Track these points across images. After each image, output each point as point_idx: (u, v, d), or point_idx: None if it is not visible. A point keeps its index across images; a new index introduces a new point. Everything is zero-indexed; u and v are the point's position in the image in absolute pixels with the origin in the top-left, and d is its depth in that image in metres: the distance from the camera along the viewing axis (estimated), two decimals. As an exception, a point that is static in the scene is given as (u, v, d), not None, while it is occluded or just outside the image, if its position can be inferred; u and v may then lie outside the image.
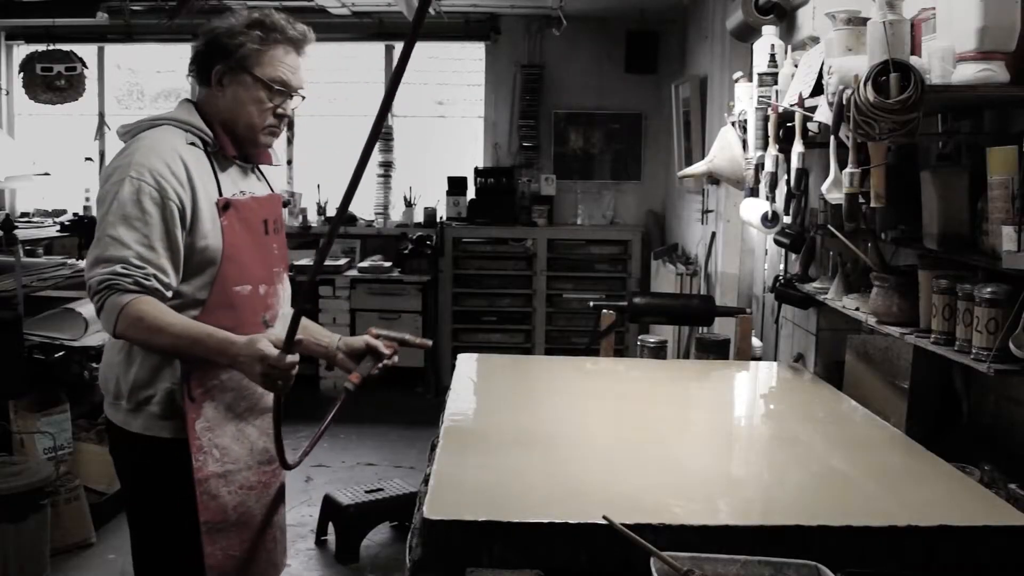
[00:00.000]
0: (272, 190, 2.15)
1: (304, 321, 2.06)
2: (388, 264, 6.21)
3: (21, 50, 6.60)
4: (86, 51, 6.49)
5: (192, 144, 1.91)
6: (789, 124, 2.53)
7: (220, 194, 1.91)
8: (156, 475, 1.92)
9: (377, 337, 2.01)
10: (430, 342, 2.11)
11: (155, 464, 1.92)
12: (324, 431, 2.04)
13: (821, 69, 2.23)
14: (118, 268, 1.78)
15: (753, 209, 2.87)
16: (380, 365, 1.99)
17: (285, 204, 2.18)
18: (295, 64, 1.97)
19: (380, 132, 1.50)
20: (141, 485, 1.96)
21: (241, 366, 1.78)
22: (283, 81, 1.94)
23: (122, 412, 1.92)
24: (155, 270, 1.80)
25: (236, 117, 1.94)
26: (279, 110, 1.97)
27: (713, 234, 4.58)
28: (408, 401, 5.94)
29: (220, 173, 1.94)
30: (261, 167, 2.13)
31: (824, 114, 2.17)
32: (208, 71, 1.94)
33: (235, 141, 1.97)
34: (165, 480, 1.90)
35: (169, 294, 1.84)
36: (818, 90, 2.27)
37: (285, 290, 2.09)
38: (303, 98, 2.01)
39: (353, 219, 6.56)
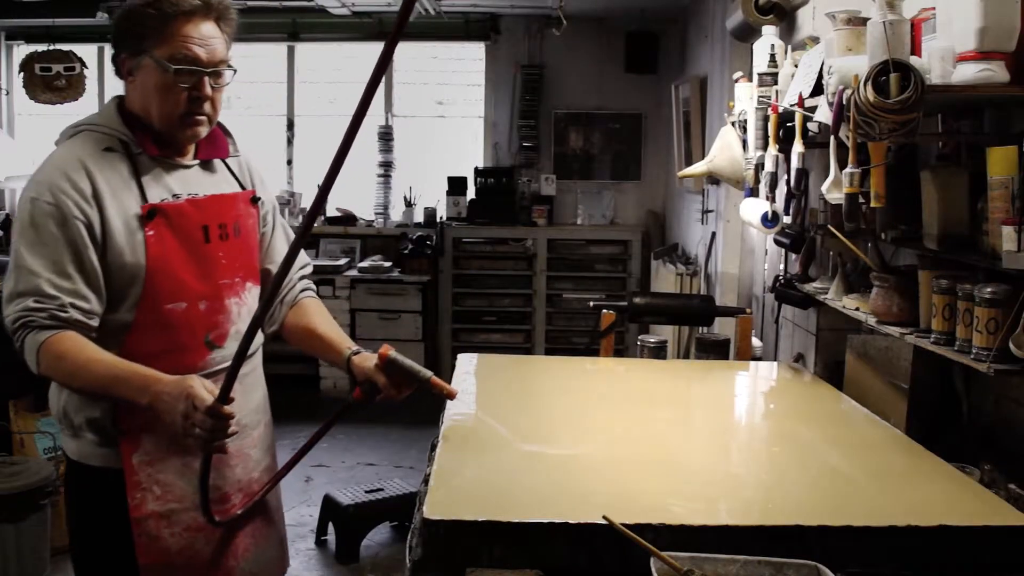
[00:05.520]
0: (243, 186, 1.90)
1: (320, 328, 1.93)
2: (388, 264, 6.21)
3: (21, 50, 6.60)
4: (86, 51, 6.48)
5: (110, 149, 1.70)
6: (789, 124, 2.53)
7: (145, 200, 1.69)
8: (95, 509, 1.75)
9: (387, 364, 1.77)
10: (456, 391, 1.85)
11: (93, 496, 1.75)
12: (299, 457, 1.85)
13: (821, 69, 2.23)
14: (30, 302, 1.60)
15: (753, 209, 2.86)
16: (377, 398, 1.81)
17: (254, 201, 1.92)
18: (208, 34, 1.70)
19: (356, 133, 1.32)
20: (80, 520, 1.78)
21: (162, 405, 1.56)
22: (189, 58, 1.67)
23: (66, 437, 1.77)
24: (71, 298, 1.62)
25: (148, 109, 1.71)
26: (194, 93, 1.69)
27: (713, 234, 4.58)
28: (408, 401, 5.93)
29: (146, 177, 1.71)
30: (228, 161, 1.89)
31: (824, 114, 2.17)
32: (117, 62, 1.74)
33: (160, 136, 1.74)
34: (104, 515, 1.73)
35: (95, 322, 1.65)
36: (818, 90, 2.27)
37: (243, 304, 1.84)
38: (234, 71, 1.76)
39: (353, 219, 6.56)
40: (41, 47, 6.35)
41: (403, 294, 6.15)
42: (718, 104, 4.36)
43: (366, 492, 3.93)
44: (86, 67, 6.39)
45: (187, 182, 1.78)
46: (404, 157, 6.64)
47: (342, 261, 6.30)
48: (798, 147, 2.45)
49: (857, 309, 2.39)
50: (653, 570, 1.30)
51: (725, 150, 3.16)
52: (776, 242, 3.15)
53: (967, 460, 1.93)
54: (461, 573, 1.41)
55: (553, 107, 6.52)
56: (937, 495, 1.67)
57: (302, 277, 2.05)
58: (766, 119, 2.67)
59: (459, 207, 6.44)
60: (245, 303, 1.84)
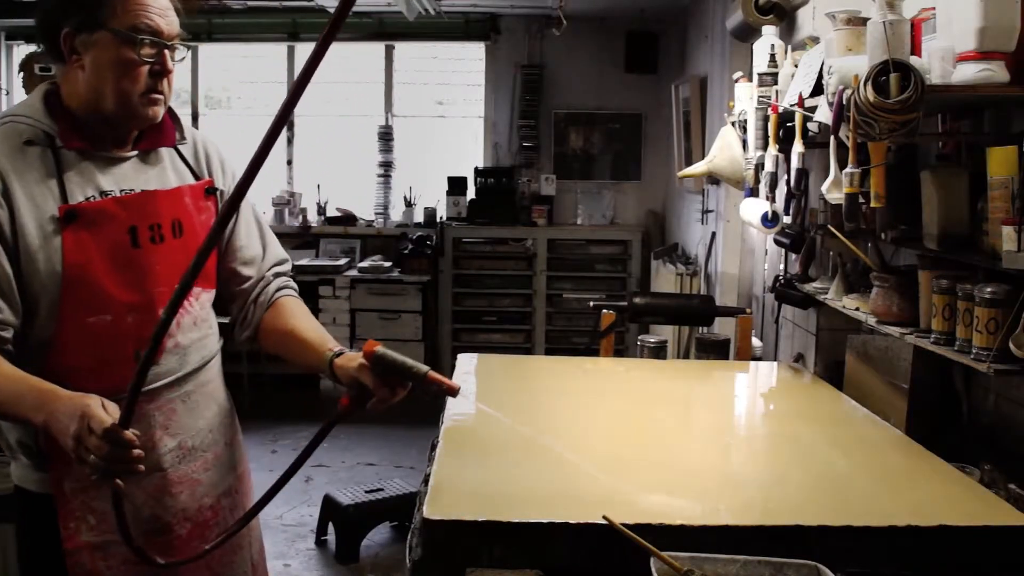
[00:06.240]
0: (198, 176, 1.72)
1: (299, 330, 1.72)
2: (388, 264, 6.21)
3: (21, 50, 6.61)
4: (86, 51, 6.48)
5: (31, 142, 1.54)
6: (789, 124, 2.53)
7: (66, 201, 1.52)
8: (36, 539, 1.62)
9: (375, 361, 1.52)
10: (458, 385, 1.53)
11: (34, 525, 1.61)
12: (283, 483, 1.61)
13: (821, 69, 2.23)
14: None
15: (753, 209, 2.86)
16: (369, 403, 1.56)
17: (210, 192, 1.72)
18: (164, 5, 1.57)
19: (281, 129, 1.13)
20: (23, 549, 1.65)
21: (56, 425, 1.38)
22: (151, 28, 1.54)
23: (9, 459, 1.63)
24: None
25: (102, 90, 1.54)
26: (155, 67, 1.56)
27: (713, 234, 4.58)
28: (408, 401, 5.93)
29: (69, 173, 1.55)
30: (181, 149, 1.71)
31: (824, 114, 2.17)
32: (55, 39, 1.55)
33: (106, 123, 1.59)
34: (46, 546, 1.58)
35: (7, 333, 1.50)
36: (818, 90, 2.27)
37: (185, 313, 1.66)
38: (188, 48, 1.61)
39: (353, 219, 6.57)
40: (41, 47, 6.34)
41: (403, 294, 6.15)
42: (718, 104, 4.36)
43: (366, 492, 3.94)
44: (86, 67, 6.38)
45: (121, 177, 1.61)
46: (404, 157, 6.64)
47: (342, 261, 6.31)
48: (798, 147, 2.45)
49: (857, 309, 2.39)
50: (653, 570, 1.30)
51: (725, 150, 3.16)
52: (776, 242, 3.15)
53: (967, 460, 1.93)
54: (461, 573, 1.41)
55: (553, 107, 6.52)
56: (937, 495, 1.67)
57: (278, 274, 1.84)
58: (766, 119, 2.67)
59: (459, 207, 6.44)
60: (188, 312, 1.67)
